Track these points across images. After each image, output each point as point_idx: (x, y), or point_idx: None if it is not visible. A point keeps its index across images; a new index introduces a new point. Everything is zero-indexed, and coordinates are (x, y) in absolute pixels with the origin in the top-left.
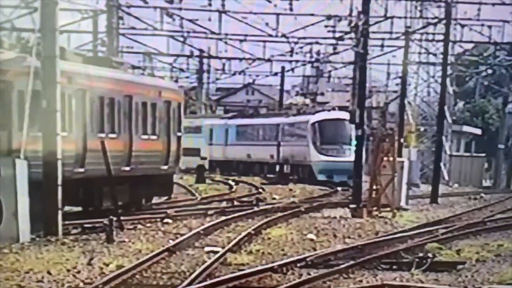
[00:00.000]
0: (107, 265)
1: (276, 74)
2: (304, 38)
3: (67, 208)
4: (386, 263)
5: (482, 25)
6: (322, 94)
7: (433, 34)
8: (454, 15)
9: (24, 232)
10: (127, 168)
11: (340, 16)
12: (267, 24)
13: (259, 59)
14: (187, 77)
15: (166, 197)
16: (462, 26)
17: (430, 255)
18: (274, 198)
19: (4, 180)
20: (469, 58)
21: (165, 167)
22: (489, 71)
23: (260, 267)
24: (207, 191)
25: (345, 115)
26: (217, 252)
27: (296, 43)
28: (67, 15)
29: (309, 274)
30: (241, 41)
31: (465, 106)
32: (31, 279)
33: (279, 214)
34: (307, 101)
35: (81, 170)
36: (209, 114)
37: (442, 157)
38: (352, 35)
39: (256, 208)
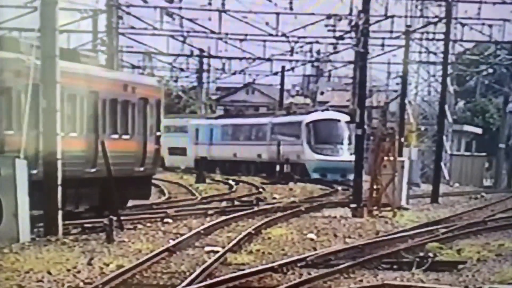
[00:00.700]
0: (107, 265)
1: (276, 73)
2: (304, 37)
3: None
4: (387, 263)
5: (483, 24)
6: (322, 93)
7: (434, 33)
8: (455, 14)
9: (24, 232)
10: (92, 170)
11: (340, 15)
12: (267, 23)
13: (259, 58)
14: (187, 77)
15: (144, 200)
16: (463, 25)
17: (430, 254)
18: (274, 198)
19: (4, 179)
20: (470, 57)
21: (141, 168)
22: (490, 70)
23: (260, 267)
24: (207, 191)
25: (339, 115)
26: (217, 252)
27: (296, 42)
28: (67, 14)
29: (309, 274)
30: (241, 40)
31: (466, 105)
32: (31, 279)
33: (279, 213)
34: (308, 100)
35: (34, 171)
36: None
37: (443, 156)
38: (352, 34)
39: (256, 208)
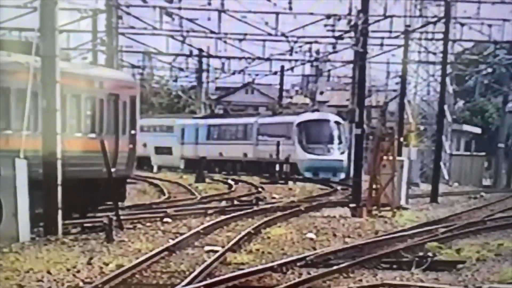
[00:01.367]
0: (107, 264)
1: (275, 73)
2: (304, 37)
3: None
4: (386, 263)
5: (482, 23)
6: (322, 93)
7: (433, 33)
8: (454, 13)
9: (24, 232)
10: None
11: (339, 15)
12: (266, 23)
13: (258, 58)
14: (186, 76)
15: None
16: (462, 24)
17: (430, 254)
18: (273, 198)
19: (4, 179)
20: (469, 57)
21: (112, 169)
22: (489, 70)
23: (260, 267)
24: (207, 191)
25: (328, 116)
26: (216, 251)
27: (295, 42)
28: (67, 14)
29: (309, 273)
30: (240, 40)
31: (465, 105)
32: (31, 279)
33: (279, 213)
34: (307, 100)
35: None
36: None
37: (442, 156)
38: (352, 34)
39: (255, 208)
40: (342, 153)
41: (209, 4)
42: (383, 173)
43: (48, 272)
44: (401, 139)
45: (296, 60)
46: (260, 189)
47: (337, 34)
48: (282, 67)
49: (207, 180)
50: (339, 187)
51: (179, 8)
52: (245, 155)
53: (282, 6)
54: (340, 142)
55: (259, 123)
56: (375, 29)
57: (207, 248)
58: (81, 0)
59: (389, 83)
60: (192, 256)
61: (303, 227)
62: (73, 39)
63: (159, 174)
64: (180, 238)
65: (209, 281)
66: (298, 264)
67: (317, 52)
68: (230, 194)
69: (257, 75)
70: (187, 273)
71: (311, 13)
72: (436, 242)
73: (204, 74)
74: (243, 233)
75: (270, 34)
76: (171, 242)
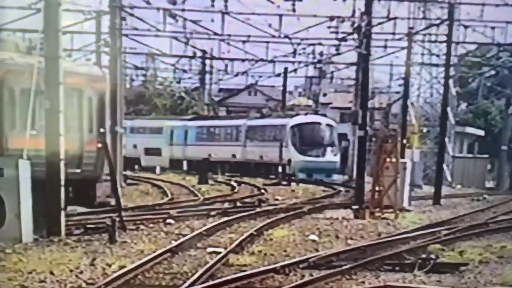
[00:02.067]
0: (110, 265)
1: (279, 75)
2: (307, 39)
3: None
4: (389, 264)
5: (485, 26)
6: (325, 95)
7: (436, 35)
8: (457, 16)
9: (27, 233)
10: None
11: (343, 17)
12: (270, 25)
13: (261, 60)
14: (189, 78)
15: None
16: (465, 27)
17: (432, 256)
18: (276, 199)
19: (7, 180)
20: (472, 59)
21: (77, 170)
22: (492, 72)
23: (262, 268)
24: (210, 192)
25: (320, 119)
26: (219, 252)
27: (298, 44)
28: (70, 16)
29: (311, 275)
30: (243, 42)
31: (468, 107)
32: (34, 279)
33: (282, 215)
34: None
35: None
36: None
37: (445, 158)
38: (355, 36)
39: (258, 209)
40: (335, 155)
41: (213, 6)
42: (386, 175)
43: (51, 273)
44: (404, 141)
45: (300, 62)
46: (263, 191)
47: (340, 36)
48: (286, 69)
49: (210, 181)
50: (342, 189)
51: (183, 10)
52: (234, 156)
53: (285, 8)
54: (333, 145)
55: (247, 125)
56: (379, 31)
57: (209, 249)
58: (85, 1)
59: (392, 85)
60: (195, 257)
61: (306, 229)
62: (77, 41)
63: (162, 175)
64: (182, 239)
65: (211, 282)
66: (301, 266)
67: (321, 54)
68: (233, 195)
69: (260, 77)
70: (190, 274)
71: (315, 15)
72: (439, 244)
73: (207, 76)
74: (245, 235)
75: (273, 36)
76: (174, 243)
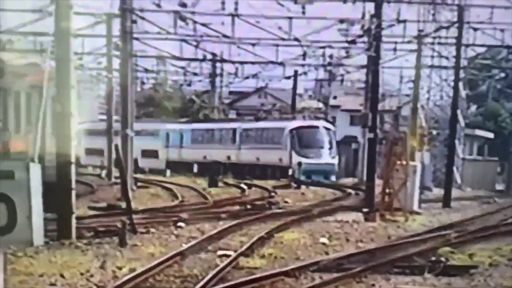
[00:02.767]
0: (120, 268)
1: (289, 77)
2: (317, 41)
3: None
4: (399, 267)
5: (495, 28)
6: (335, 97)
7: (446, 37)
8: (467, 18)
9: (37, 236)
10: None
11: (352, 20)
12: (280, 28)
13: (272, 62)
14: (200, 81)
15: None
16: (475, 29)
17: (442, 259)
18: (286, 202)
19: (18, 183)
20: (482, 62)
21: None
22: (502, 75)
23: (272, 271)
24: (220, 195)
25: (318, 123)
26: (229, 255)
27: (308, 46)
28: (82, 19)
29: (321, 278)
30: (254, 45)
31: (478, 109)
32: (45, 282)
33: (292, 218)
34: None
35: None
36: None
37: (455, 160)
38: (365, 38)
39: (268, 212)
40: (333, 157)
41: (223, 9)
42: (396, 178)
43: (62, 276)
44: (414, 143)
45: (310, 65)
46: (273, 194)
47: (350, 38)
48: (296, 71)
49: (220, 184)
50: (352, 192)
51: (193, 13)
52: (229, 158)
53: (295, 10)
54: (331, 147)
55: (242, 128)
56: (388, 33)
57: (220, 252)
58: (96, 4)
59: (402, 88)
60: (205, 260)
61: (316, 232)
62: (88, 44)
63: (172, 178)
64: (193, 242)
65: (222, 285)
66: (311, 268)
67: (330, 56)
68: (243, 198)
69: (270, 79)
70: (200, 277)
71: (325, 18)
72: (448, 247)
73: (218, 79)
74: (256, 238)
75: (283, 39)
76: (184, 246)
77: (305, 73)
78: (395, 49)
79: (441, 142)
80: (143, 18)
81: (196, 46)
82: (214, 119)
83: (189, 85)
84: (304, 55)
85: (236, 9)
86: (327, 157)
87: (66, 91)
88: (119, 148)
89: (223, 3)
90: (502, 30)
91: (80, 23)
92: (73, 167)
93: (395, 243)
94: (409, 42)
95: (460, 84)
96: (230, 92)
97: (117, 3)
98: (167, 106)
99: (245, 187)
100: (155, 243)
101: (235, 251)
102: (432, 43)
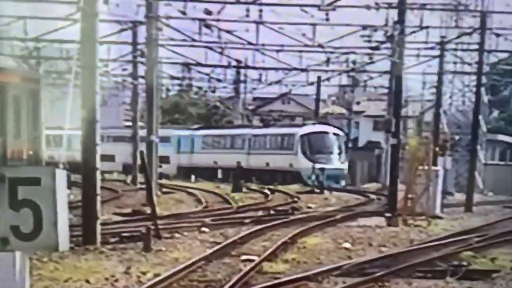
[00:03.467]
0: (145, 273)
1: (312, 83)
2: (340, 48)
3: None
4: (421, 271)
5: None
6: (358, 103)
7: (468, 43)
8: (489, 24)
9: (63, 241)
10: None
11: (376, 26)
12: (303, 34)
13: (295, 69)
14: (224, 87)
15: None
16: (497, 35)
17: (464, 263)
18: (309, 207)
19: (44, 189)
20: (504, 67)
21: None
22: None
23: (295, 276)
24: (243, 200)
25: (328, 128)
26: (253, 260)
27: (332, 53)
28: (107, 26)
29: (344, 282)
30: (277, 51)
31: (500, 115)
32: None
33: (315, 223)
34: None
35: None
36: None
37: (477, 165)
38: (388, 44)
39: (291, 217)
40: (342, 162)
41: (247, 16)
42: (418, 183)
43: (87, 281)
44: (436, 148)
45: (333, 71)
46: (296, 199)
47: (373, 45)
48: (319, 77)
49: (244, 189)
50: (374, 197)
51: (218, 20)
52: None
53: (319, 17)
54: (340, 153)
55: (251, 134)
56: (411, 40)
57: (243, 257)
58: (121, 12)
59: (425, 94)
60: (229, 265)
61: (339, 237)
62: (113, 51)
63: (196, 183)
64: (217, 247)
65: None
66: (334, 273)
67: (354, 62)
68: (266, 203)
69: (294, 85)
70: (224, 282)
71: (348, 24)
72: (470, 251)
73: (242, 85)
74: (279, 243)
75: (307, 45)
76: (208, 251)
77: (328, 79)
78: (418, 55)
79: (463, 147)
80: (168, 25)
81: (221, 53)
82: (223, 125)
83: (213, 91)
84: (327, 61)
85: (260, 16)
86: (337, 162)
87: (92, 98)
88: (144, 154)
89: (247, 10)
90: None
91: (106, 31)
92: (98, 173)
93: (417, 248)
94: (432, 48)
95: (482, 90)
96: (254, 98)
97: (143, 11)
98: (192, 112)
99: (268, 192)
100: (179, 248)
101: (259, 256)
102: (455, 49)
